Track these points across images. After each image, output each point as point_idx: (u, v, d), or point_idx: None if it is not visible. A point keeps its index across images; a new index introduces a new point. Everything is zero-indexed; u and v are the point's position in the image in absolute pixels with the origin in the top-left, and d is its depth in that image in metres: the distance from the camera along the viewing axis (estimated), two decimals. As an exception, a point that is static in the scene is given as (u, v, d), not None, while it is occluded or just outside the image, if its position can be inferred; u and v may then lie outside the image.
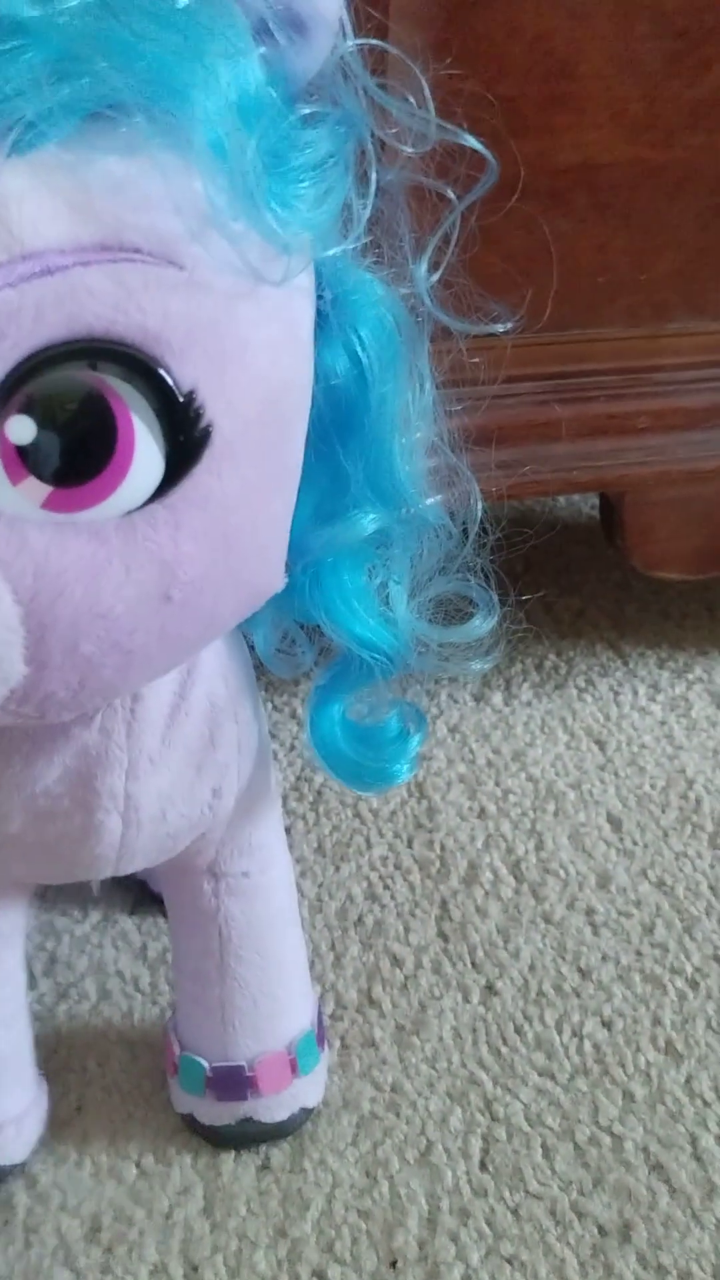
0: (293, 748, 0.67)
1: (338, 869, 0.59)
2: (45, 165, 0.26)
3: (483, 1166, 0.48)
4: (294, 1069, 0.47)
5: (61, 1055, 0.50)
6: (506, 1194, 0.47)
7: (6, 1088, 0.45)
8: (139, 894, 0.56)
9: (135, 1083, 0.49)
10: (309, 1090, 0.47)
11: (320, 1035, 0.48)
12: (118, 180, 0.27)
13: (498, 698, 0.71)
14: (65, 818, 0.38)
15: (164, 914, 0.56)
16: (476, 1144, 0.48)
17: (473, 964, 0.55)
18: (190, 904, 0.45)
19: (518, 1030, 0.53)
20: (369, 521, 0.36)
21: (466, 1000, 0.54)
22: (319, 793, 0.64)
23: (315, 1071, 0.48)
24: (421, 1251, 0.45)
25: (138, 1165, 0.47)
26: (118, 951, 0.55)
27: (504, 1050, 0.52)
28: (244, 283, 0.29)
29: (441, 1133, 0.49)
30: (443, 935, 0.57)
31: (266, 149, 0.28)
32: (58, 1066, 0.49)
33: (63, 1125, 0.48)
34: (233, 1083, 0.46)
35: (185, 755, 0.39)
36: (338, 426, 0.34)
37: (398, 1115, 0.49)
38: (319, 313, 0.33)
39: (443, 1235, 0.45)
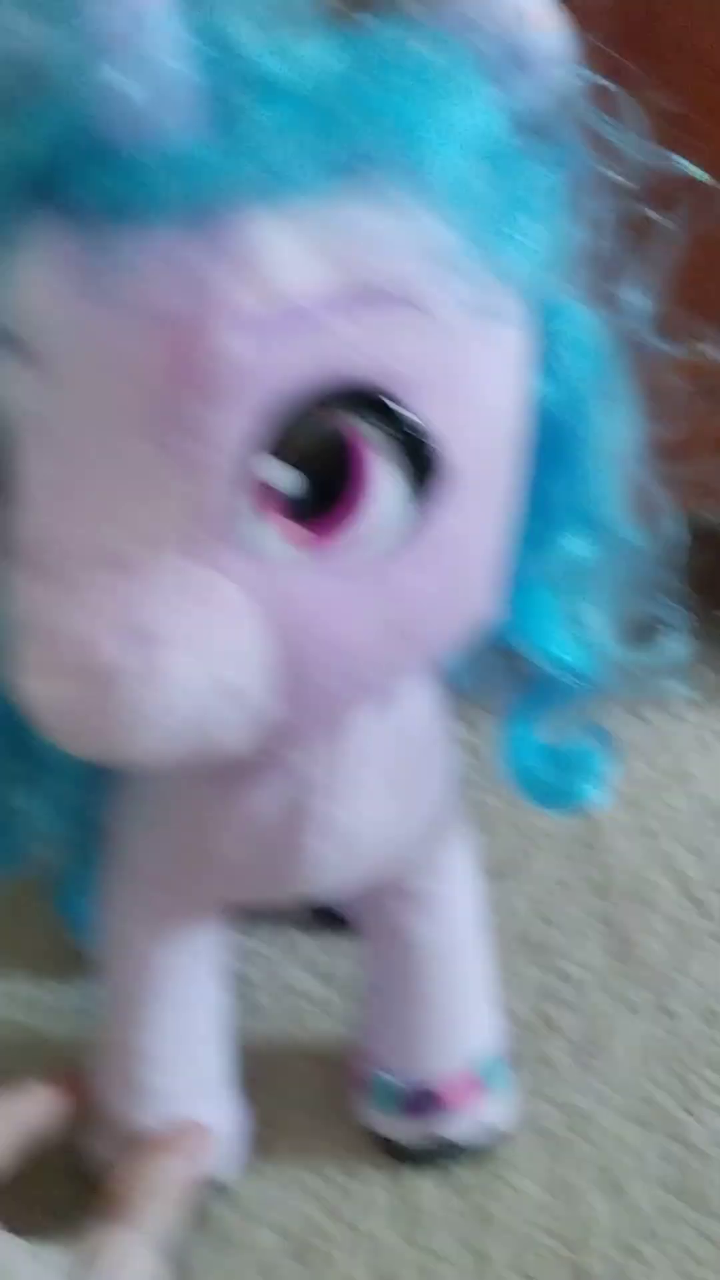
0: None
1: (502, 884, 0.60)
2: (298, 216, 0.28)
3: (670, 1190, 0.47)
4: (481, 1087, 0.47)
5: (251, 1072, 0.51)
6: (697, 1218, 0.46)
7: (210, 1106, 0.46)
8: (318, 913, 0.57)
9: (324, 1099, 0.50)
10: (496, 1109, 0.48)
11: (506, 1055, 0.48)
12: (364, 226, 0.28)
13: (655, 714, 0.70)
14: (276, 841, 0.39)
15: (343, 933, 0.57)
16: (662, 1167, 0.48)
17: (645, 984, 0.55)
18: (381, 923, 0.45)
19: (696, 1052, 0.52)
20: (576, 547, 0.36)
21: (641, 1020, 0.53)
22: (481, 808, 0.64)
23: (502, 1090, 0.48)
24: (613, 1273, 0.45)
25: (330, 1180, 0.48)
26: (300, 970, 0.56)
27: (683, 1072, 0.51)
28: (478, 320, 0.30)
29: (626, 1155, 0.48)
30: (613, 954, 0.56)
31: (500, 187, 0.29)
32: (248, 1082, 0.50)
33: (256, 1140, 0.49)
34: (423, 1101, 0.46)
35: (389, 780, 0.40)
36: (545, 451, 0.35)
37: (580, 1136, 0.49)
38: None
39: (634, 1259, 0.45)
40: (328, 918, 0.57)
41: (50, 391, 0.29)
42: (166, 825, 0.40)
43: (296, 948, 0.57)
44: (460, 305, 0.29)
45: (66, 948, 0.56)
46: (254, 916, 0.57)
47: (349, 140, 0.27)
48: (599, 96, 0.33)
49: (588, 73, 0.32)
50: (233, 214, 0.27)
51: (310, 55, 0.28)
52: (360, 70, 0.27)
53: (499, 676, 0.43)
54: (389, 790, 0.40)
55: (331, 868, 0.40)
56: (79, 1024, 0.53)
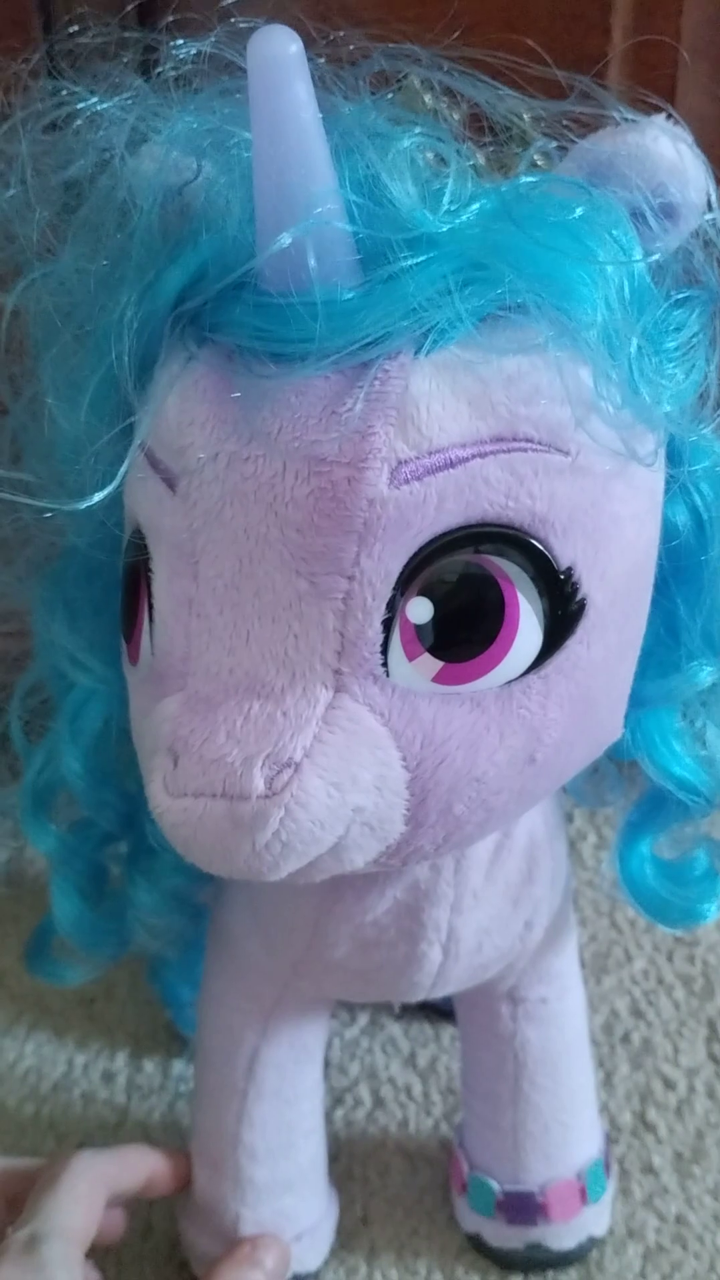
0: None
1: (599, 981, 0.59)
2: (448, 365, 0.28)
3: (774, 1309, 0.46)
4: (584, 1197, 0.46)
5: (343, 1163, 0.51)
6: None
7: (305, 1198, 0.46)
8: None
9: (418, 1196, 0.50)
10: (597, 1218, 0.47)
11: (607, 1163, 0.48)
12: (512, 374, 0.29)
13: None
14: (390, 947, 0.39)
15: (428, 1019, 0.57)
16: (765, 1283, 0.47)
17: (746, 1088, 0.54)
18: (487, 1027, 0.45)
19: None
20: (706, 675, 0.36)
21: (745, 1128, 0.52)
22: (574, 899, 0.63)
23: (603, 1200, 0.47)
24: None
25: (425, 1282, 0.47)
26: (388, 1057, 0.56)
27: (788, 1185, 0.50)
28: (620, 462, 0.30)
29: (727, 1269, 0.47)
30: (713, 1058, 0.55)
31: (646, 335, 0.29)
32: (340, 1174, 0.50)
33: (350, 1235, 0.48)
34: (524, 1207, 0.46)
35: (505, 890, 0.40)
36: (677, 579, 0.35)
37: (684, 1248, 0.48)
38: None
39: None
40: (420, 1005, 0.56)
41: (196, 520, 0.30)
42: (279, 924, 0.41)
43: (390, 1036, 0.56)
44: (603, 448, 0.29)
45: (163, 1028, 0.57)
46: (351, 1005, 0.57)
47: (499, 290, 0.28)
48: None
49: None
50: (387, 361, 0.28)
51: (460, 207, 0.29)
52: (509, 222, 0.28)
53: (615, 787, 0.43)
54: (508, 901, 0.40)
55: (445, 974, 0.40)
56: (173, 1106, 0.54)
